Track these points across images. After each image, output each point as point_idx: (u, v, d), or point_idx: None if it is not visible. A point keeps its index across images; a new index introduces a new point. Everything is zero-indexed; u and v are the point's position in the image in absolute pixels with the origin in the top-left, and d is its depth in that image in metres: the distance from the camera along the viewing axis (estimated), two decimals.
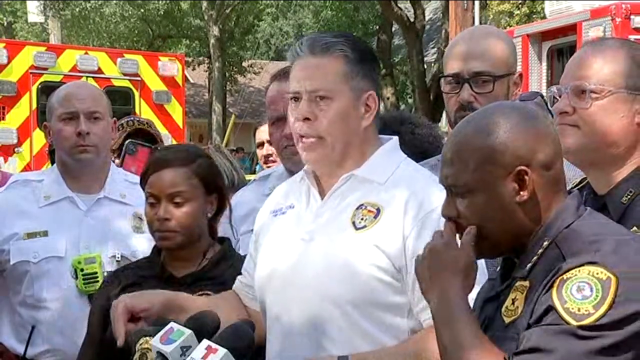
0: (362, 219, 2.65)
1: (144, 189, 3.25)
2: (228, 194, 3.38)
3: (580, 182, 2.62)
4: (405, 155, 2.82)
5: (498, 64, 3.18)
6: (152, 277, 3.21)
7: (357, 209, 2.67)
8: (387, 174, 2.70)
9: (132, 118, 5.19)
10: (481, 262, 2.50)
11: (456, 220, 2.22)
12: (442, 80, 3.28)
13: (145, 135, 4.97)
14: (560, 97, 2.49)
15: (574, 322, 1.96)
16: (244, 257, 3.09)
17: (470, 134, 2.20)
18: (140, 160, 4.31)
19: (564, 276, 2.01)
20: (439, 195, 2.33)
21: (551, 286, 2.02)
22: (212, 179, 3.25)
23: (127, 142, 4.57)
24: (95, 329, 3.28)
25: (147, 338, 3.02)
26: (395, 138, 2.83)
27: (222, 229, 3.46)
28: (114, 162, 4.34)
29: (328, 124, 2.65)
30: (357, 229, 2.64)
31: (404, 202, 2.63)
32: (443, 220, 2.32)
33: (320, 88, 2.65)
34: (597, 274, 1.99)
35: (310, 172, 2.79)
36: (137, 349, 3.03)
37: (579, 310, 1.96)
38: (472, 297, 2.38)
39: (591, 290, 1.97)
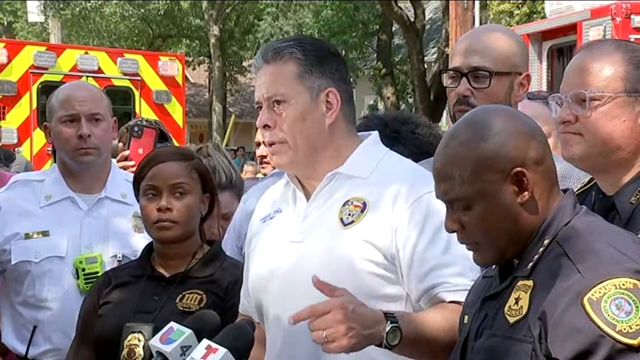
0: (349, 214, 2.66)
1: (139, 185, 3.27)
2: (220, 195, 3.43)
3: (588, 182, 2.62)
4: (388, 149, 2.83)
5: (498, 60, 3.17)
6: (143, 277, 3.26)
7: (344, 205, 2.68)
8: (371, 168, 2.72)
9: (140, 120, 5.18)
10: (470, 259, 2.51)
11: (462, 232, 2.23)
12: (445, 74, 3.29)
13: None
14: (561, 105, 2.49)
15: (634, 342, 1.97)
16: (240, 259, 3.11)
17: (459, 145, 2.21)
18: (146, 141, 4.30)
19: (591, 297, 2.01)
20: (424, 181, 2.33)
21: (572, 305, 2.01)
22: (209, 177, 3.33)
23: (131, 124, 4.57)
24: (85, 327, 3.30)
25: (136, 334, 3.06)
26: (375, 133, 2.84)
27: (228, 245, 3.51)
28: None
29: (287, 128, 2.68)
30: (345, 225, 2.65)
31: (389, 192, 2.65)
32: (432, 203, 2.31)
33: (274, 93, 2.68)
34: (623, 284, 2.01)
35: (292, 175, 2.81)
36: (125, 345, 3.06)
37: (630, 328, 1.97)
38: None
39: (629, 304, 1.99)
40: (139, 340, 3.06)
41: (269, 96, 2.69)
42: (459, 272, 2.56)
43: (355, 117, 2.82)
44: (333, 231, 2.66)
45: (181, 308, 3.11)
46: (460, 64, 3.21)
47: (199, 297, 3.15)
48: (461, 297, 2.50)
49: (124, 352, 3.05)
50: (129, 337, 3.07)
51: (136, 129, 4.33)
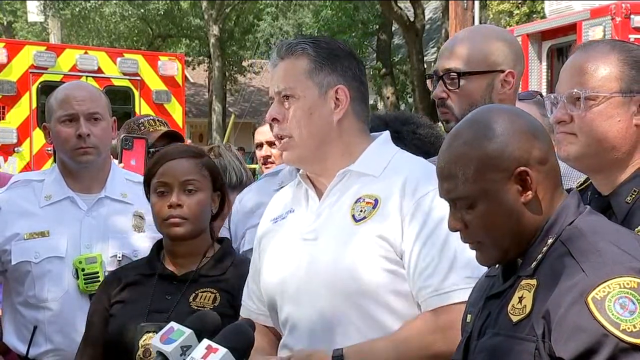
0: (361, 210, 2.68)
1: (149, 183, 3.26)
2: (230, 195, 3.41)
3: (584, 182, 2.62)
4: (399, 148, 2.85)
5: (470, 61, 3.16)
6: (153, 276, 3.24)
7: (356, 202, 2.70)
8: (382, 165, 2.74)
9: (153, 118, 5.16)
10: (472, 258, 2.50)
11: (465, 231, 2.22)
12: (429, 79, 3.32)
13: (172, 136, 4.99)
14: (556, 105, 2.49)
15: (638, 341, 1.97)
16: (248, 257, 3.09)
17: (463, 145, 2.21)
18: (138, 152, 4.32)
19: (596, 296, 2.01)
20: (433, 179, 2.34)
21: (576, 304, 2.01)
22: (218, 175, 3.32)
23: (122, 136, 4.58)
24: (96, 328, 3.29)
25: (151, 334, 3.05)
26: (387, 132, 2.87)
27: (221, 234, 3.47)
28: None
29: (295, 122, 2.71)
30: (356, 221, 2.67)
31: (399, 188, 2.67)
32: (436, 201, 2.32)
33: (284, 88, 2.72)
34: (627, 284, 2.01)
35: (304, 175, 2.82)
36: (140, 345, 3.06)
37: (634, 327, 1.98)
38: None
39: (633, 303, 1.99)
40: None
41: (279, 90, 2.72)
42: (450, 268, 2.58)
43: (368, 117, 2.84)
44: (345, 228, 2.67)
45: (195, 307, 3.10)
46: (437, 67, 3.24)
47: (213, 295, 3.15)
48: (450, 299, 2.54)
49: (140, 352, 3.05)
50: (144, 337, 3.07)
51: (127, 141, 4.36)
